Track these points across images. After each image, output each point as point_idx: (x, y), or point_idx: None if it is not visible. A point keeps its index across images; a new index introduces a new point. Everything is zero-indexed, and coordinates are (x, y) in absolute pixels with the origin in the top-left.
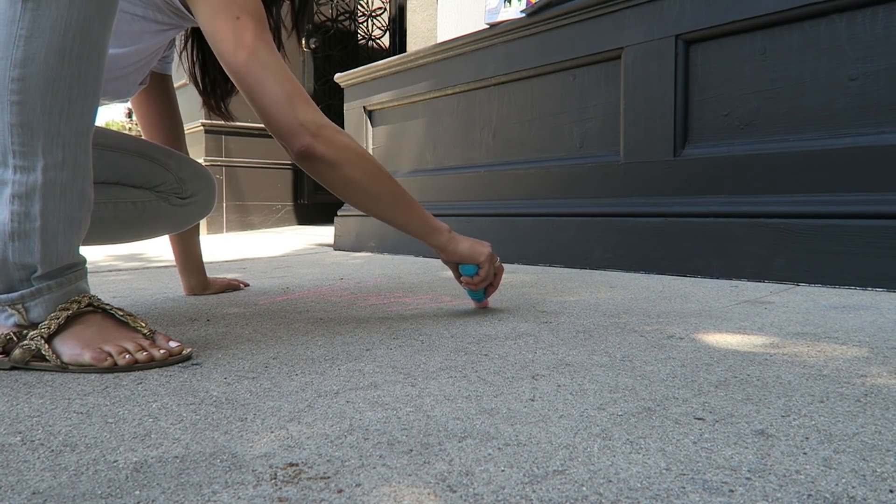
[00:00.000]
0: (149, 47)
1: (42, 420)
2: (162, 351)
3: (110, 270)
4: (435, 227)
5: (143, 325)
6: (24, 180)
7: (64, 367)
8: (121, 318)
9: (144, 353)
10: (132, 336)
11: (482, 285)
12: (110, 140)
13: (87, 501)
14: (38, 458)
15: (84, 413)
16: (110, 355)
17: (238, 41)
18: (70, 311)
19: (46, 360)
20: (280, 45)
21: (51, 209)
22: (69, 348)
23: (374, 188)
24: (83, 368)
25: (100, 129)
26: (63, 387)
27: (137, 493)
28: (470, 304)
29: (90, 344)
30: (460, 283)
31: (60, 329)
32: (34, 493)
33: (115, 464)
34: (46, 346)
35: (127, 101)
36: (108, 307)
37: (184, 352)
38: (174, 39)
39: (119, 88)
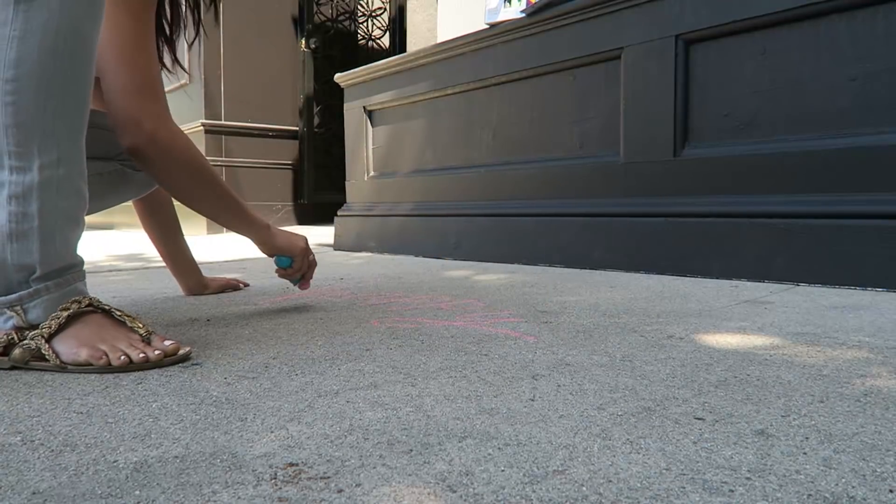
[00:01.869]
0: None
1: (42, 420)
2: (157, 351)
3: (110, 270)
4: (255, 223)
5: (141, 325)
6: (21, 180)
7: (63, 367)
8: (118, 317)
9: (140, 354)
10: (128, 336)
11: (296, 276)
12: None
13: (87, 501)
14: (38, 458)
15: (84, 413)
16: (105, 354)
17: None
18: (71, 311)
19: (46, 360)
20: (198, 25)
21: (48, 207)
22: (67, 347)
23: (201, 192)
24: (81, 367)
25: None
26: (63, 387)
27: (137, 493)
28: (472, 302)
29: (87, 342)
30: (278, 275)
31: (60, 328)
32: (34, 493)
33: (115, 464)
34: (47, 345)
35: None
36: (107, 308)
37: (180, 351)
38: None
39: None
